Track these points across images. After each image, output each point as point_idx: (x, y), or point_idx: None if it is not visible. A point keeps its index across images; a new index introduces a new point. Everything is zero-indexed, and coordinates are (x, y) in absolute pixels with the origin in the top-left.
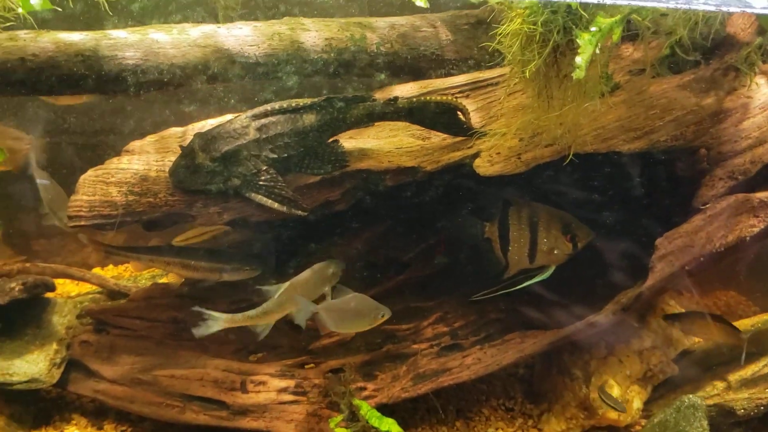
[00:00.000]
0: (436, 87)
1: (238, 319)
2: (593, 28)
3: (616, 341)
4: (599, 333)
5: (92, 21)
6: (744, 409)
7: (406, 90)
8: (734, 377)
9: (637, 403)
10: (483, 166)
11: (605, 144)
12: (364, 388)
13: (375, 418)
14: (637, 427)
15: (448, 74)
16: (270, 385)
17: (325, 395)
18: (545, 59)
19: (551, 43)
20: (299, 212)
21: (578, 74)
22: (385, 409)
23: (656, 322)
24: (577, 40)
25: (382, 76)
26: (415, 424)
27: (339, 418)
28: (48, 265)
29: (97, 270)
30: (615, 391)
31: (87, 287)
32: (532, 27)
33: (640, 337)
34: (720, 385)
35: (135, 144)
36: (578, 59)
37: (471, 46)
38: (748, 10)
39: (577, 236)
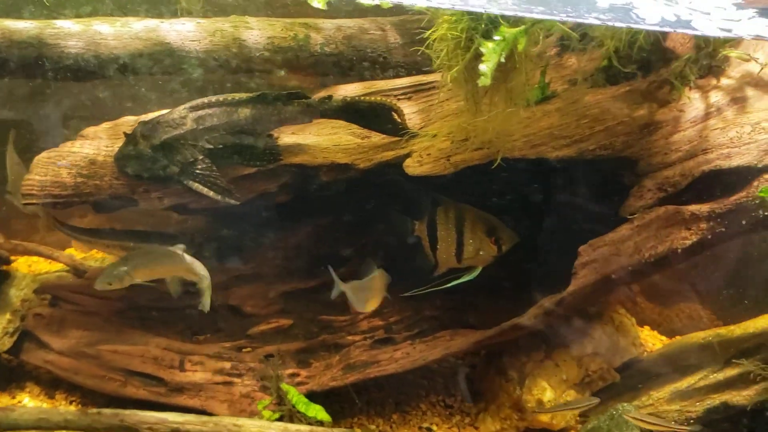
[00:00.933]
0: (380, 88)
1: None
2: (497, 37)
3: (555, 346)
4: (539, 336)
5: None
6: (675, 420)
7: (350, 90)
8: (670, 388)
9: None
10: (412, 166)
11: (534, 150)
12: (297, 375)
13: (302, 404)
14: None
15: (396, 77)
16: (207, 366)
17: (260, 379)
18: (468, 65)
19: (472, 49)
20: (232, 201)
21: (483, 81)
22: (322, 397)
23: (602, 329)
24: (481, 49)
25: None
26: (353, 414)
27: (267, 401)
28: (20, 243)
29: (69, 251)
30: (547, 395)
31: (58, 266)
32: (455, 33)
33: (581, 343)
34: (655, 395)
35: (89, 130)
36: (482, 67)
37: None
38: (635, 26)
39: (501, 239)
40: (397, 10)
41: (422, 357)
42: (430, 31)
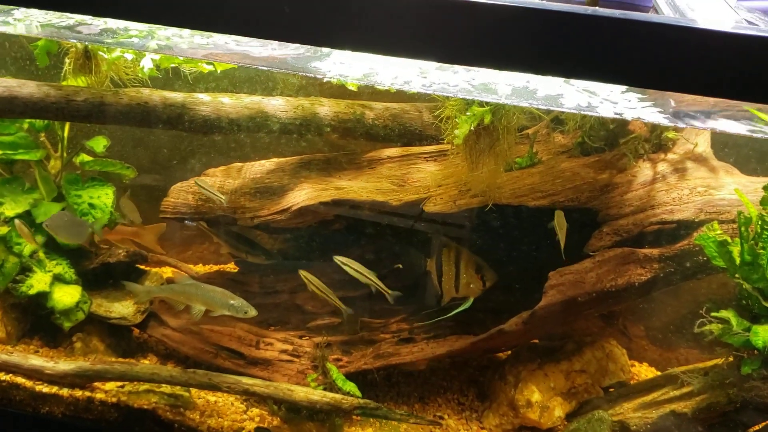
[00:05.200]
0: (413, 152)
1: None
2: (469, 113)
3: (548, 360)
4: (536, 351)
5: None
6: (636, 425)
7: (392, 152)
8: (638, 401)
9: (558, 412)
10: (429, 206)
11: (518, 199)
12: (340, 360)
13: (340, 380)
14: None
15: (428, 145)
16: (275, 347)
17: (312, 360)
18: (469, 136)
19: (469, 126)
20: None
21: (457, 141)
22: (361, 383)
23: (591, 353)
24: (457, 120)
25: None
26: (386, 400)
27: (314, 375)
28: (156, 254)
29: (191, 266)
30: (535, 396)
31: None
32: (458, 114)
33: (569, 360)
34: (626, 405)
35: (210, 170)
36: (456, 132)
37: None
38: (554, 108)
39: (485, 277)
40: (431, 98)
41: (431, 352)
42: (438, 111)
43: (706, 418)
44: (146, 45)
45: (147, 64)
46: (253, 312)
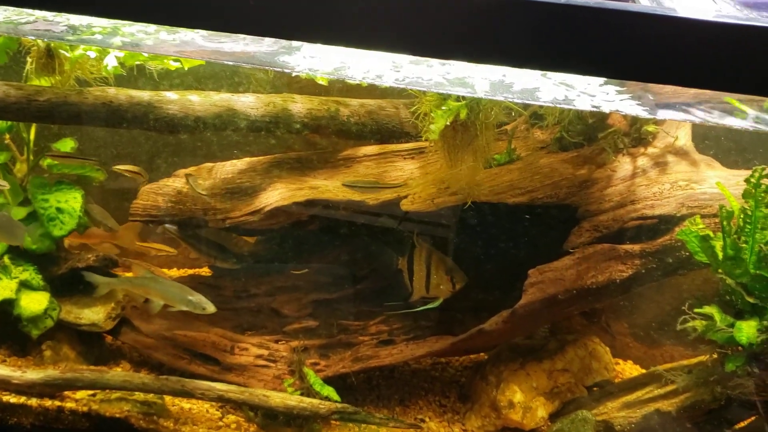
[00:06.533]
0: (391, 149)
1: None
2: (444, 108)
3: (530, 359)
4: (517, 351)
5: None
6: (620, 425)
7: (369, 150)
8: (622, 401)
9: (541, 412)
10: (406, 204)
11: (497, 197)
12: (318, 364)
13: (318, 385)
14: None
15: (406, 142)
16: (250, 352)
17: (289, 365)
18: (446, 133)
19: (444, 121)
20: None
21: (432, 137)
22: (341, 388)
23: (573, 351)
24: (432, 115)
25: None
26: (366, 403)
27: (291, 380)
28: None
29: (165, 270)
30: (517, 397)
31: None
32: (434, 109)
33: (552, 359)
34: (610, 405)
35: (180, 171)
36: (432, 127)
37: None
38: (531, 102)
39: (455, 279)
40: (408, 94)
41: (411, 353)
42: (414, 107)
43: (691, 416)
44: (111, 42)
45: (111, 62)
46: (211, 308)
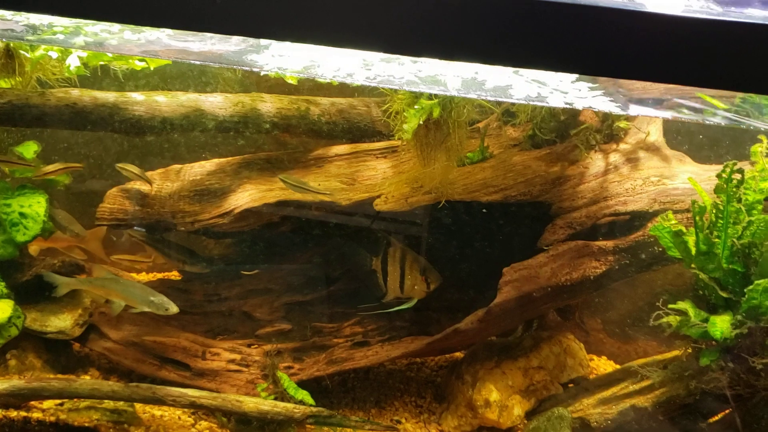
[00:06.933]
0: (363, 149)
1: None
2: (417, 107)
3: (505, 357)
4: (493, 349)
5: None
6: (596, 422)
7: (340, 150)
8: (597, 397)
9: (517, 410)
10: (379, 204)
11: (470, 195)
12: (292, 367)
13: (292, 388)
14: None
15: (378, 141)
16: (222, 357)
17: (262, 369)
18: (418, 131)
19: (417, 119)
20: None
21: (405, 136)
22: (316, 391)
23: (548, 348)
24: (404, 114)
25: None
26: (341, 406)
27: (265, 384)
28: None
29: (134, 274)
30: (494, 396)
31: None
32: (406, 108)
33: (527, 357)
34: (586, 401)
35: (147, 173)
36: (405, 126)
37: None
38: (503, 99)
39: (429, 279)
40: (380, 92)
41: (386, 354)
42: (386, 106)
43: (667, 411)
44: (73, 42)
45: (74, 62)
46: (174, 309)
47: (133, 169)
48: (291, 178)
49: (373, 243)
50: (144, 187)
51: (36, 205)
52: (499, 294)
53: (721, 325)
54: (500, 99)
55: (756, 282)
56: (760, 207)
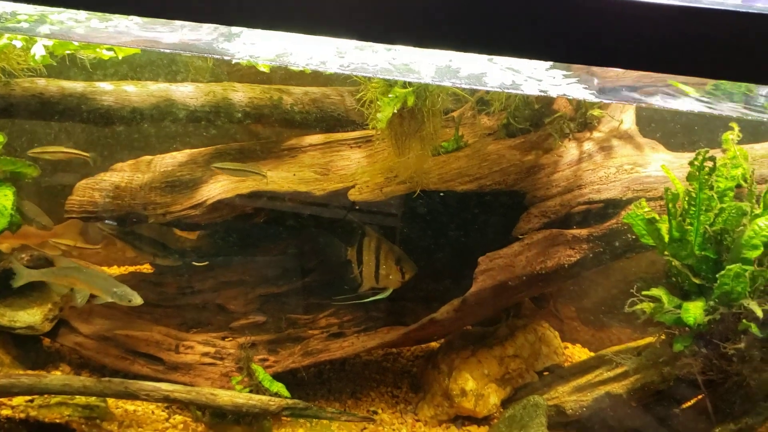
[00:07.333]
0: (337, 139)
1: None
2: (391, 95)
3: (481, 346)
4: (469, 339)
5: None
6: (572, 409)
7: (314, 140)
8: (572, 384)
9: (493, 399)
10: (354, 194)
11: (446, 185)
12: (267, 360)
13: (267, 381)
14: (494, 420)
15: (352, 131)
16: (196, 350)
17: (237, 362)
18: (393, 121)
19: (392, 108)
20: None
21: (380, 125)
22: (292, 384)
23: (523, 337)
24: (378, 103)
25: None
26: (317, 397)
27: (239, 377)
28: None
29: (106, 268)
30: (470, 385)
31: None
32: (380, 97)
33: (502, 346)
34: (561, 389)
35: (118, 165)
36: (379, 115)
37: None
38: (479, 87)
39: (404, 269)
40: (354, 81)
41: (362, 345)
42: (360, 95)
43: (641, 397)
44: (38, 30)
45: (39, 51)
46: (138, 300)
47: (59, 149)
48: (225, 164)
49: (347, 233)
50: (114, 179)
51: (3, 198)
52: (475, 283)
53: (694, 311)
54: (475, 87)
55: (728, 267)
56: (731, 194)
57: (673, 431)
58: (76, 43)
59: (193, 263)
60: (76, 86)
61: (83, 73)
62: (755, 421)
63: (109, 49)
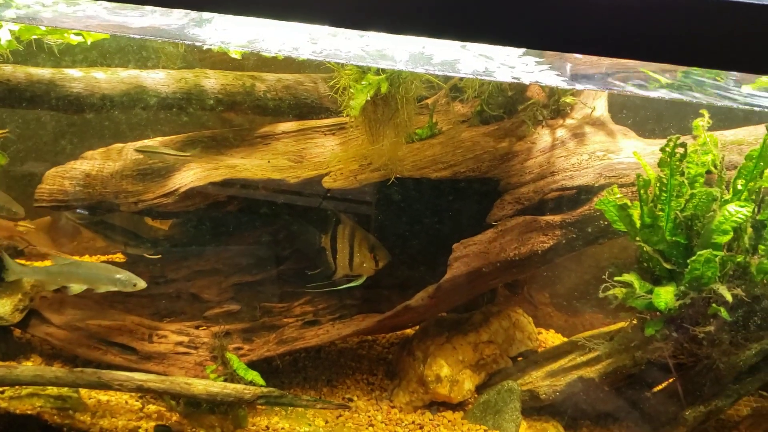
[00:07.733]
0: (310, 126)
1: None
2: (364, 82)
3: (455, 333)
4: (444, 325)
5: None
6: (545, 393)
7: (287, 127)
8: (545, 369)
9: (468, 385)
10: (328, 182)
11: (419, 172)
12: (241, 348)
13: (242, 369)
14: (469, 406)
15: (326, 118)
16: (170, 339)
17: (211, 351)
18: (366, 108)
19: (365, 95)
20: None
21: (353, 113)
22: (267, 372)
23: (498, 323)
24: (351, 90)
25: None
26: (292, 385)
27: (214, 366)
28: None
29: (76, 257)
30: (444, 371)
31: None
32: (353, 84)
33: (477, 332)
34: (534, 374)
35: (88, 153)
36: (352, 102)
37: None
38: (451, 74)
39: (377, 257)
40: (327, 68)
41: (337, 333)
42: (333, 81)
43: (613, 381)
44: (3, 14)
45: (4, 36)
46: (142, 284)
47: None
48: (147, 146)
49: (322, 221)
50: (85, 167)
51: None
52: (449, 270)
53: (665, 296)
54: (448, 73)
55: (698, 253)
56: (702, 180)
57: (644, 414)
58: (44, 28)
59: (146, 255)
60: (44, 73)
61: (51, 59)
62: (724, 403)
63: (77, 35)
